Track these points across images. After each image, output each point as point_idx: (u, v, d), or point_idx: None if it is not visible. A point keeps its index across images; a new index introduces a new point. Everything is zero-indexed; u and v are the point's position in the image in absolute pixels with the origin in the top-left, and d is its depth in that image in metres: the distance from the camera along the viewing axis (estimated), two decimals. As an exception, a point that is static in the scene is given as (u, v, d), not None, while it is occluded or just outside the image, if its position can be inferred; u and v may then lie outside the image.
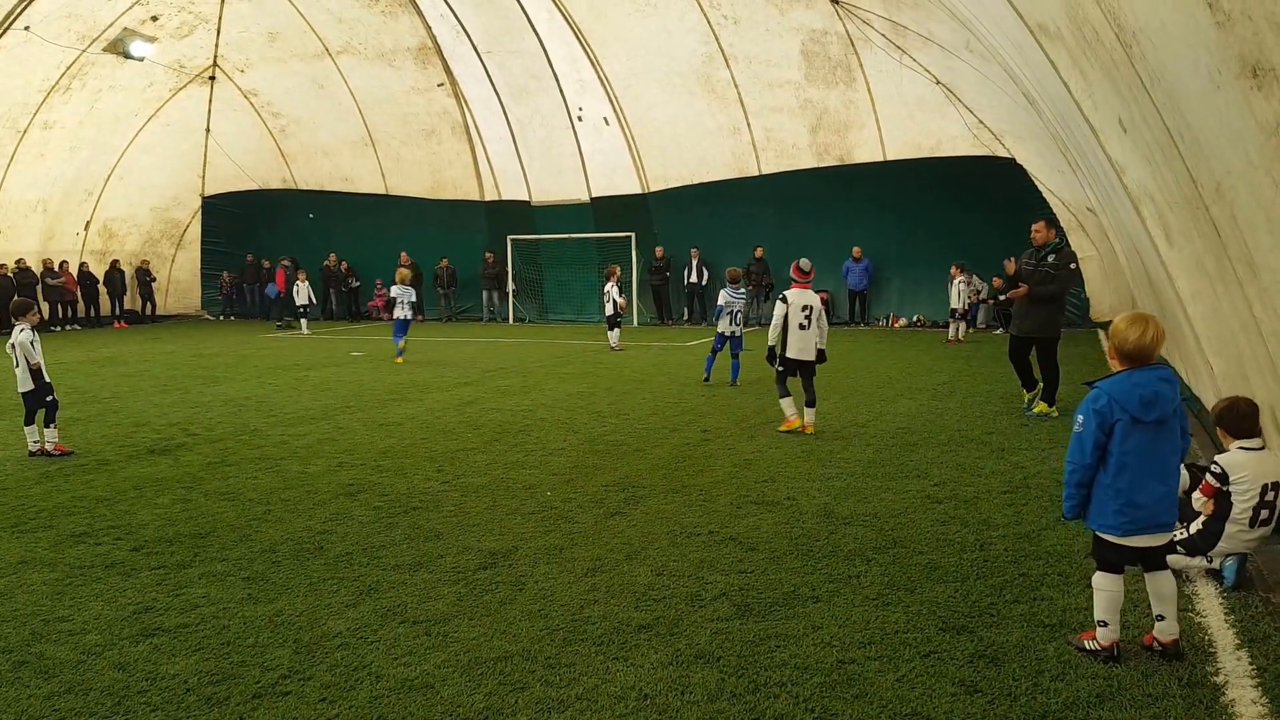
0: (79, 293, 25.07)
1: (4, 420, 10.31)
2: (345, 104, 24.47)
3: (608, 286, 16.91)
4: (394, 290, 16.67)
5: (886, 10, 17.17)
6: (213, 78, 24.65)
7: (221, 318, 28.09)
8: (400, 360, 15.68)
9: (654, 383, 12.80)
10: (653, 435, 9.11)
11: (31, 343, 8.53)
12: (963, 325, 17.99)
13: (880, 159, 20.67)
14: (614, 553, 5.54)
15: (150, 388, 13.10)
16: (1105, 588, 4.03)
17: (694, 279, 22.85)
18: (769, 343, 9.18)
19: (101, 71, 22.03)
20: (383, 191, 26.17)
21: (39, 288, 23.80)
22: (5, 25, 19.18)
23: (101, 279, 25.63)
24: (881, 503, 6.56)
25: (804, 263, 9.36)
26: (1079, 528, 5.84)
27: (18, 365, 8.54)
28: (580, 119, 22.70)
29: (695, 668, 4.00)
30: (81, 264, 25.27)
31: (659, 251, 23.03)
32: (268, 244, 27.40)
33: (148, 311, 27.00)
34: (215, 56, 23.99)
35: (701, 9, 19.39)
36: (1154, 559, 4.03)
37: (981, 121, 18.87)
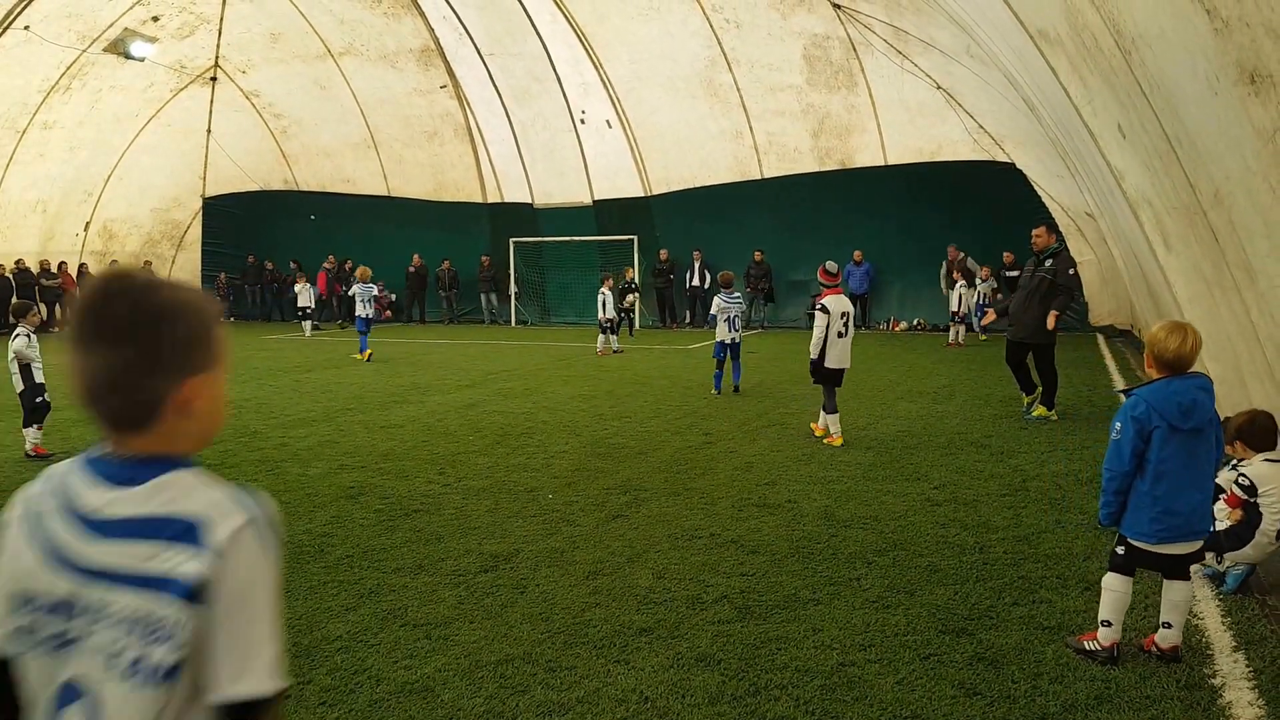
0: (78, 294, 25.06)
1: (3, 422, 10.31)
2: (347, 105, 24.49)
3: (602, 290, 16.84)
4: (355, 289, 17.14)
5: (888, 15, 17.21)
6: (214, 78, 24.68)
7: (221, 319, 28.07)
8: (360, 357, 16.29)
9: (656, 386, 12.81)
10: (654, 438, 9.12)
11: (27, 345, 8.56)
12: (962, 329, 18.00)
13: (881, 163, 20.71)
14: (615, 556, 5.55)
15: (151, 389, 13.09)
16: (1115, 588, 4.04)
17: (696, 282, 22.87)
18: (812, 356, 8.72)
19: (102, 72, 22.04)
20: (384, 193, 26.20)
21: (36, 289, 23.83)
22: (5, 25, 19.21)
23: (102, 280, 25.64)
24: (882, 506, 6.57)
25: (831, 265, 8.99)
26: (1078, 530, 5.87)
27: (14, 366, 8.57)
28: (583, 122, 22.74)
29: (696, 670, 4.01)
30: (81, 265, 25.29)
31: (663, 254, 23.05)
32: (269, 245, 27.42)
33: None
34: (217, 57, 24.02)
35: (704, 13, 19.43)
36: (1178, 567, 4.03)
37: (982, 126, 18.90)
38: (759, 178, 22.05)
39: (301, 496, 7.07)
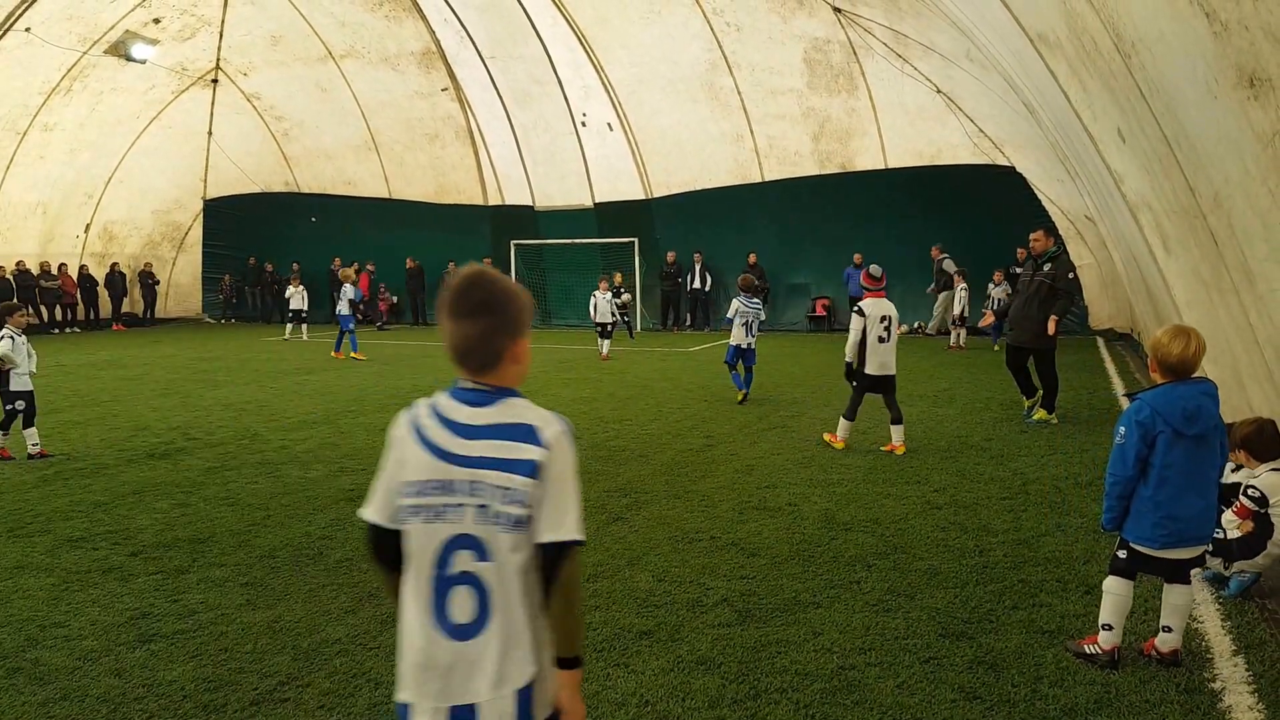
0: (78, 296, 25.10)
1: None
2: (348, 108, 24.51)
3: (597, 294, 16.58)
4: (345, 288, 17.80)
5: (888, 19, 17.23)
6: (215, 80, 24.71)
7: (222, 320, 28.12)
8: (336, 355, 16.88)
9: (657, 389, 12.81)
10: (655, 441, 9.11)
11: (11, 348, 8.50)
12: (963, 332, 18.00)
13: (882, 167, 20.72)
14: (615, 558, 5.55)
15: (150, 391, 13.11)
16: (1116, 592, 4.04)
17: (697, 284, 22.87)
18: (846, 359, 8.52)
19: (103, 74, 22.06)
20: (386, 195, 26.23)
21: (36, 290, 23.88)
22: (6, 26, 19.23)
23: (102, 281, 25.68)
24: (882, 509, 6.57)
25: (875, 269, 8.72)
26: (1078, 533, 5.86)
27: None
28: (584, 124, 22.76)
29: (696, 674, 4.01)
30: (81, 266, 25.30)
31: (670, 257, 23.03)
32: (270, 248, 27.44)
33: (147, 315, 27.04)
34: (218, 60, 24.04)
35: (705, 16, 19.45)
36: (1179, 572, 4.03)
37: (982, 130, 18.92)
38: (759, 181, 22.06)
39: (301, 499, 7.06)
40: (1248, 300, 4.96)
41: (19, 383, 8.53)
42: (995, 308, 14.52)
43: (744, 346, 11.21)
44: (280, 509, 6.78)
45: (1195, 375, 3.92)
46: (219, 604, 4.90)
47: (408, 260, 25.48)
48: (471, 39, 21.93)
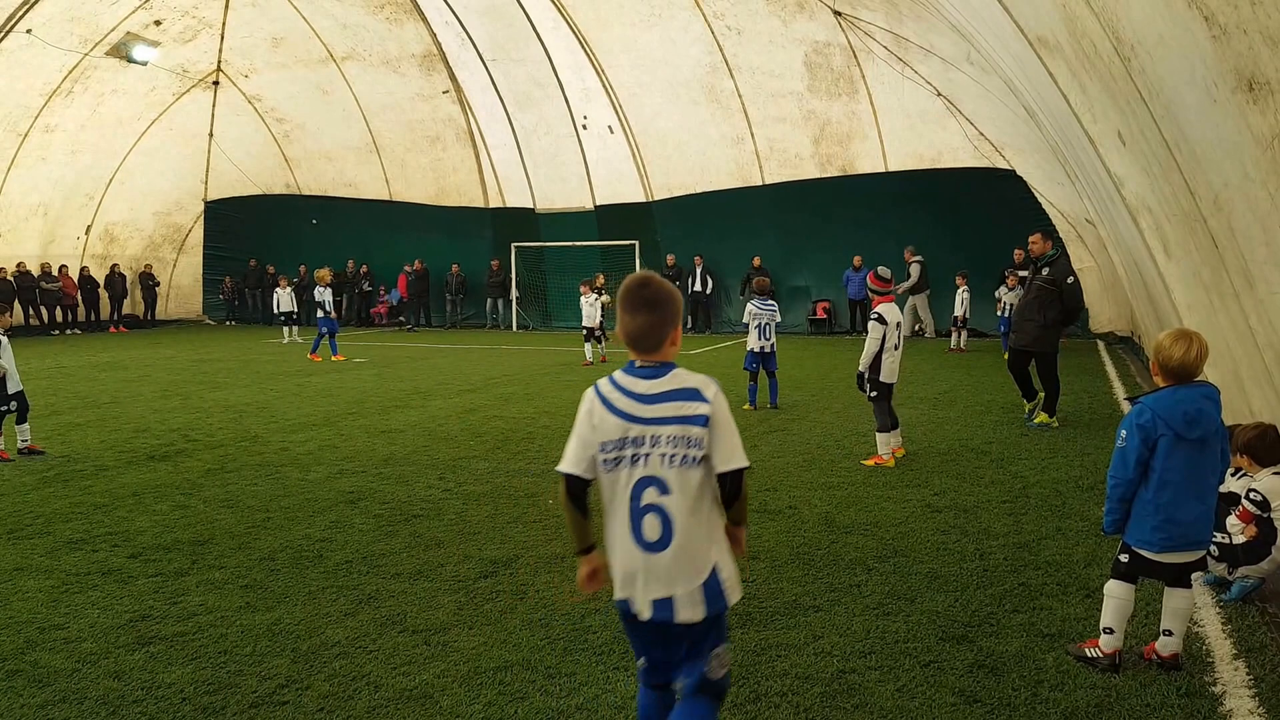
0: (79, 297, 25.13)
1: None
2: (350, 110, 24.54)
3: (588, 298, 16.21)
4: (318, 290, 17.91)
5: (888, 22, 17.25)
6: (216, 82, 24.74)
7: (226, 323, 28.12)
8: (313, 357, 17.08)
9: (654, 391, 12.78)
10: (653, 443, 9.09)
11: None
12: (964, 334, 17.99)
13: (882, 170, 20.74)
14: (613, 561, 5.54)
15: (150, 393, 13.12)
16: (1118, 595, 4.04)
17: (697, 287, 22.88)
18: (860, 368, 8.10)
19: (104, 75, 22.10)
20: (386, 198, 26.25)
21: (37, 292, 23.91)
22: (7, 28, 19.26)
23: (102, 283, 25.70)
24: (882, 512, 6.56)
25: (884, 271, 8.30)
26: (1079, 537, 5.86)
27: None
28: (585, 127, 22.78)
29: (694, 677, 4.00)
30: (82, 268, 25.32)
31: (670, 260, 23.05)
32: (270, 250, 27.46)
33: (147, 316, 27.06)
34: (219, 61, 24.08)
35: (705, 19, 19.47)
36: (1180, 575, 4.02)
37: (982, 133, 18.93)
38: (760, 184, 22.08)
39: (301, 501, 7.06)
40: (1248, 304, 4.96)
41: (12, 385, 8.61)
42: (1007, 314, 14.09)
43: (761, 350, 10.79)
44: (280, 511, 6.78)
45: (1197, 379, 3.92)
46: (218, 606, 4.89)
47: (416, 263, 25.50)
48: (473, 41, 21.95)
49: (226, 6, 22.15)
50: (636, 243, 23.37)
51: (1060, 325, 9.64)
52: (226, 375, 15.15)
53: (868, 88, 19.40)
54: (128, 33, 21.36)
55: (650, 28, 20.12)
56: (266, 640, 4.44)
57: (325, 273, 18.40)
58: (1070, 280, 9.53)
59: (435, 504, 6.94)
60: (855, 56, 18.92)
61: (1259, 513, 4.78)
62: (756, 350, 10.83)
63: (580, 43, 21.04)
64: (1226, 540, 4.85)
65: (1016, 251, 16.19)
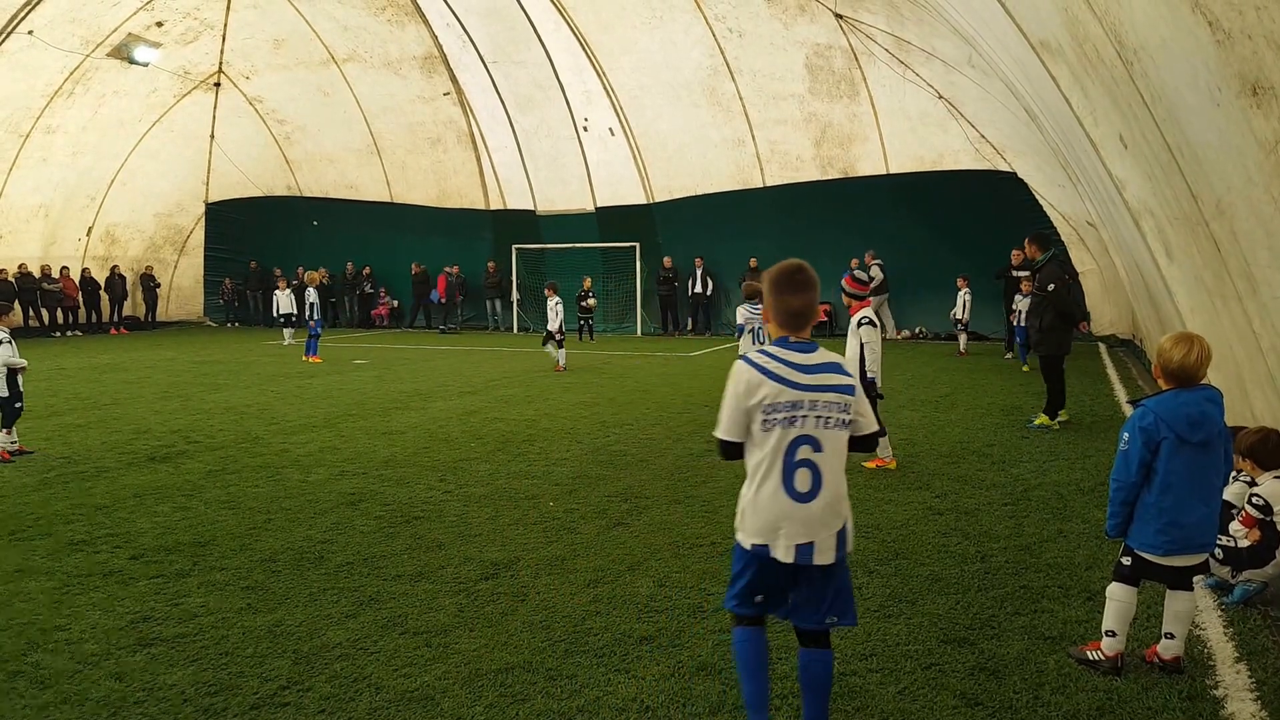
0: (80, 298, 25.13)
1: None
2: (351, 112, 24.56)
3: (552, 302, 15.69)
4: (309, 292, 18.03)
5: (890, 25, 17.25)
6: (218, 84, 24.77)
7: (228, 324, 28.09)
8: (314, 359, 17.17)
9: (658, 393, 12.81)
10: (656, 446, 9.11)
11: (12, 353, 8.68)
12: (965, 337, 17.97)
13: (883, 172, 20.75)
14: (616, 564, 5.54)
15: (151, 394, 13.12)
16: (1120, 598, 4.03)
17: (698, 289, 22.89)
18: (871, 374, 7.66)
19: (105, 77, 22.11)
20: (388, 199, 26.26)
21: (38, 293, 23.91)
22: (8, 30, 19.28)
23: (103, 285, 25.71)
24: (883, 514, 6.56)
25: (861, 274, 8.08)
26: (1080, 539, 5.85)
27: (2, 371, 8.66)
28: (586, 129, 22.79)
29: (697, 680, 4.00)
30: (84, 270, 25.33)
31: (667, 261, 23.06)
32: (271, 251, 27.47)
33: (148, 318, 27.06)
34: (220, 63, 24.10)
35: (707, 22, 19.49)
36: (1182, 578, 4.02)
37: (983, 136, 18.94)
38: (761, 186, 22.09)
39: (302, 503, 7.06)
40: (1251, 307, 4.96)
41: (17, 383, 8.69)
42: (1023, 322, 13.78)
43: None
44: (281, 513, 6.78)
45: (1200, 382, 3.92)
46: (220, 608, 4.89)
47: (413, 265, 25.52)
48: (474, 43, 21.97)
49: (228, 8, 22.18)
50: (637, 245, 23.38)
51: (1059, 329, 9.61)
52: (227, 377, 15.15)
53: (869, 90, 19.41)
54: (129, 34, 21.38)
55: (652, 30, 20.14)
56: (268, 641, 4.44)
57: (315, 275, 18.50)
58: (1051, 287, 9.48)
59: (436, 506, 6.93)
60: (857, 59, 18.94)
61: (1262, 517, 4.78)
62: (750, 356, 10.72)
63: (581, 45, 21.05)
64: (1231, 543, 4.85)
65: (1014, 253, 16.05)
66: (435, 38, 22.22)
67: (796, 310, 3.23)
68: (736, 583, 3.34)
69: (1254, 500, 4.81)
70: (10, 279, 23.12)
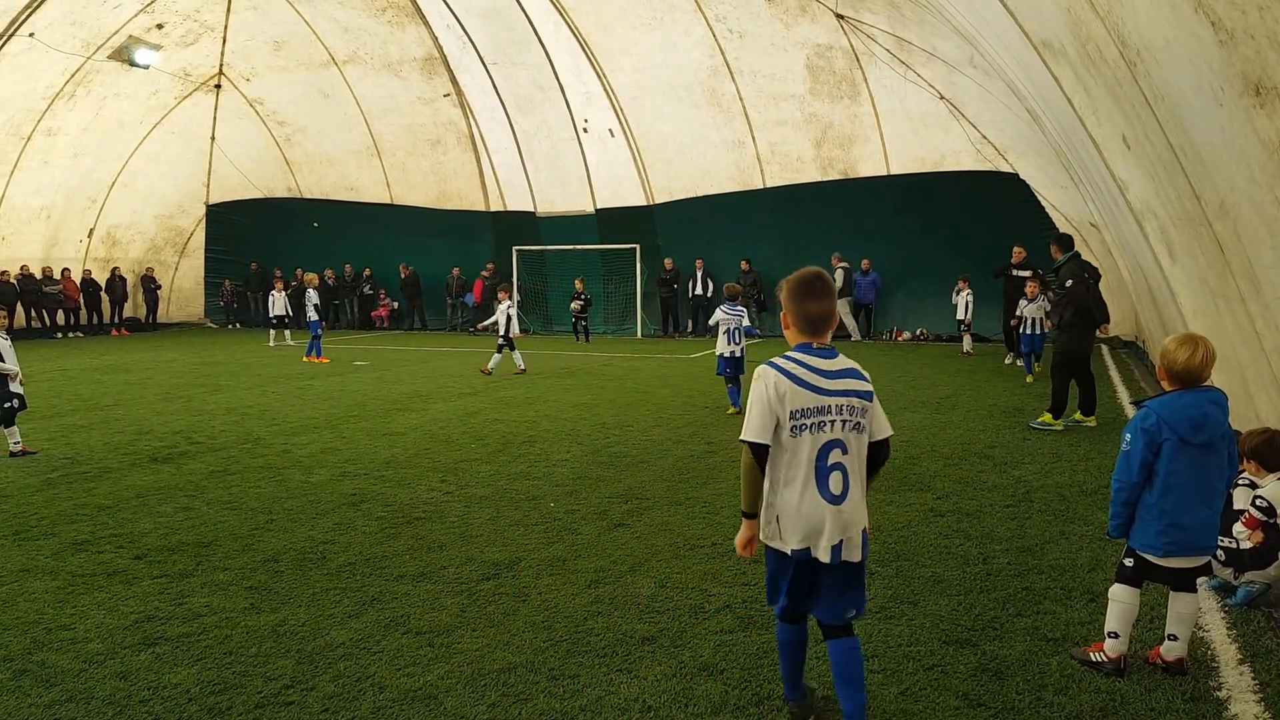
0: (81, 300, 25.15)
1: None
2: (351, 113, 24.58)
3: (505, 306, 15.42)
4: (309, 294, 18.26)
5: (891, 26, 17.26)
6: (218, 86, 24.79)
7: (230, 326, 28.11)
8: (315, 360, 17.25)
9: (658, 395, 12.81)
10: (657, 447, 9.11)
11: (8, 352, 8.73)
12: (967, 338, 17.98)
13: (884, 173, 20.75)
14: (617, 564, 5.54)
15: (153, 395, 13.12)
16: (1122, 600, 4.03)
17: (699, 291, 22.89)
18: None
19: (106, 79, 22.13)
20: (388, 201, 26.28)
21: (38, 294, 23.93)
22: (10, 32, 19.30)
23: (104, 286, 25.72)
24: (885, 516, 6.56)
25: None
26: (1082, 541, 5.85)
27: None
28: (586, 130, 22.80)
29: (699, 680, 4.00)
30: (85, 271, 25.35)
31: (668, 263, 23.07)
32: (272, 253, 27.49)
33: (149, 319, 27.08)
34: (221, 65, 24.13)
35: (707, 23, 19.49)
36: (1185, 580, 4.01)
37: (985, 136, 18.94)
38: (761, 187, 22.10)
39: (304, 503, 7.06)
40: (1254, 308, 4.96)
41: (15, 386, 8.72)
42: (1029, 331, 13.66)
43: (732, 355, 10.81)
44: (283, 513, 6.78)
45: (1204, 384, 3.91)
46: (223, 608, 4.89)
47: (401, 268, 25.57)
48: (474, 45, 21.99)
49: (228, 10, 22.20)
50: (637, 246, 23.38)
51: (1078, 325, 9.55)
52: (228, 378, 15.16)
53: (870, 91, 19.42)
54: (130, 36, 21.41)
55: (651, 31, 20.15)
56: (271, 641, 4.44)
57: (313, 277, 18.64)
58: (1070, 283, 9.59)
59: (437, 507, 6.94)
60: (857, 59, 18.94)
61: (1265, 519, 4.77)
62: (727, 355, 10.88)
63: (581, 46, 21.07)
64: (1233, 545, 4.84)
65: (1016, 250, 15.78)
66: (435, 39, 22.24)
67: (816, 316, 3.33)
68: (780, 586, 3.50)
69: (1258, 502, 4.80)
70: (12, 281, 23.14)
